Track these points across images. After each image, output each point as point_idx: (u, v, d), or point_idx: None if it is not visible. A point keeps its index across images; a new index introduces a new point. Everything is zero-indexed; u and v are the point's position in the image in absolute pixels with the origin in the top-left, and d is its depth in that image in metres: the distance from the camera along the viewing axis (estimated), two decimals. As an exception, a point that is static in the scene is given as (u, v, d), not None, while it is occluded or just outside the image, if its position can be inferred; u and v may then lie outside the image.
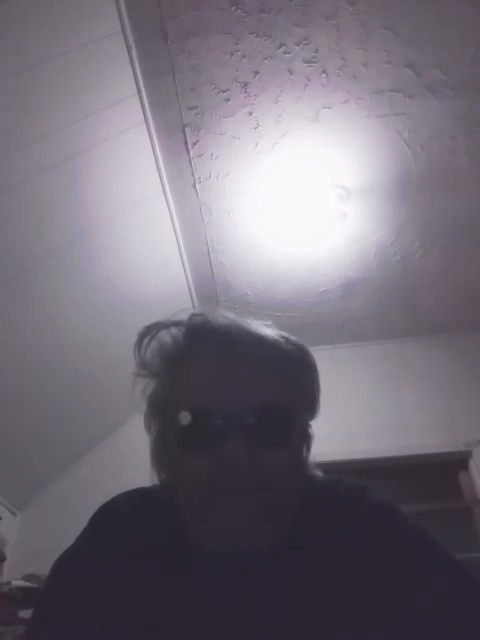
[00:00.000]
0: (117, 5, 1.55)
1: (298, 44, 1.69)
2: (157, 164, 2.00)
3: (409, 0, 1.59)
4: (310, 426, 0.65)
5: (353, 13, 1.62)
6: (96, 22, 1.55)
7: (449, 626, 0.50)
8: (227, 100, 1.83)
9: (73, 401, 2.38)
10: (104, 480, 2.25)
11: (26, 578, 1.94)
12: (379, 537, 0.58)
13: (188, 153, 1.98)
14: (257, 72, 1.75)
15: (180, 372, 0.60)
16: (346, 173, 2.08)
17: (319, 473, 0.68)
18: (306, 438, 0.64)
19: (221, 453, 0.53)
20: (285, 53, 1.71)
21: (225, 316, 0.61)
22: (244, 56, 1.71)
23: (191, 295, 2.59)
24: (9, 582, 1.96)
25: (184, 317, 0.62)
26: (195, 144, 1.96)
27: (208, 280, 2.53)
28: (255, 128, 1.91)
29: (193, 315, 0.62)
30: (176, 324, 0.62)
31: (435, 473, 2.51)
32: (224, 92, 1.80)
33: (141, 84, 1.75)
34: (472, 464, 2.47)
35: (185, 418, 0.56)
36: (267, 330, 0.61)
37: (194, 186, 2.10)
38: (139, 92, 1.77)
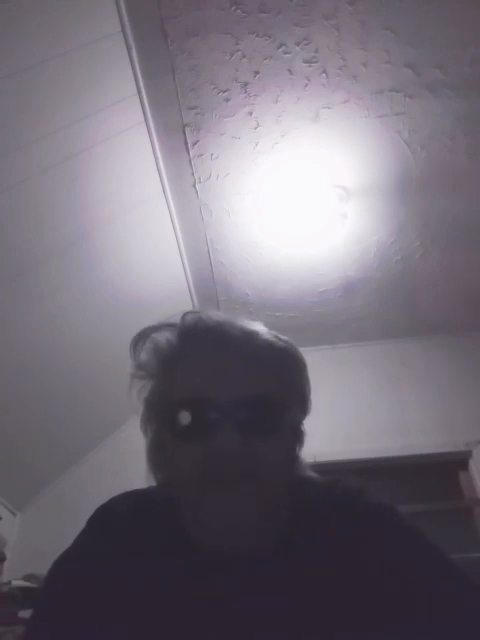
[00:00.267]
0: (117, 5, 1.55)
1: (298, 44, 1.69)
2: (157, 164, 2.00)
3: (409, 0, 1.59)
4: (302, 424, 0.66)
5: (353, 13, 1.62)
6: (96, 22, 1.55)
7: (446, 626, 0.51)
8: (227, 100, 1.83)
9: (73, 401, 2.38)
10: (104, 480, 2.25)
11: (26, 578, 1.94)
12: (377, 538, 0.58)
13: (188, 153, 1.98)
14: (257, 72, 1.75)
15: (175, 370, 0.61)
16: (346, 173, 2.08)
17: (314, 474, 0.68)
18: (298, 435, 0.65)
19: (214, 443, 0.54)
20: (285, 53, 1.71)
21: (217, 315, 0.63)
22: (244, 56, 1.71)
23: (191, 295, 2.59)
24: (9, 582, 1.96)
25: (177, 320, 0.64)
26: (195, 144, 1.96)
27: (208, 280, 2.53)
28: (255, 128, 1.91)
29: (186, 314, 0.64)
30: (169, 326, 0.64)
31: (435, 473, 2.51)
32: (224, 92, 1.80)
33: (141, 84, 1.75)
34: (472, 464, 2.47)
35: (180, 411, 0.57)
36: (258, 328, 0.63)
37: (194, 186, 2.10)
38: (139, 92, 1.77)
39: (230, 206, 2.19)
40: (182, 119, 1.88)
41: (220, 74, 1.76)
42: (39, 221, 1.83)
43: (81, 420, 2.48)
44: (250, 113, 1.87)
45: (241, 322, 0.62)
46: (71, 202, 1.87)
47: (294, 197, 2.16)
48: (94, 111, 1.71)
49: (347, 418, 2.62)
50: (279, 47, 1.69)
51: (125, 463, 2.30)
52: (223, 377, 0.58)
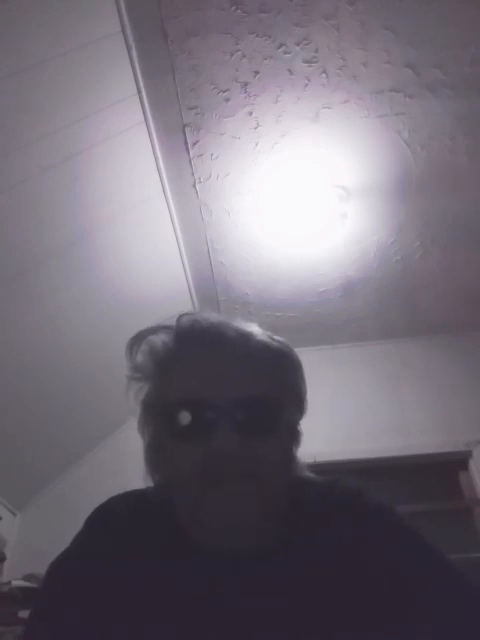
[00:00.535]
0: (117, 5, 1.55)
1: (298, 44, 1.69)
2: (157, 164, 2.00)
3: (409, 0, 1.59)
4: (299, 424, 0.66)
5: (353, 13, 1.62)
6: (96, 22, 1.55)
7: (446, 626, 0.51)
8: (227, 100, 1.83)
9: (73, 401, 2.38)
10: (104, 480, 2.25)
11: (26, 578, 1.94)
12: (376, 538, 0.58)
13: (188, 153, 1.98)
14: (257, 72, 1.75)
15: (171, 372, 0.62)
16: (346, 173, 2.08)
17: (312, 474, 0.68)
18: (295, 435, 0.66)
19: (214, 444, 0.55)
20: (285, 53, 1.71)
21: (213, 316, 0.63)
22: (244, 56, 1.71)
23: (191, 295, 2.59)
24: (9, 582, 1.96)
25: (173, 322, 0.64)
26: (195, 144, 1.96)
27: (208, 280, 2.53)
28: (255, 128, 1.91)
29: (181, 316, 0.64)
30: (165, 328, 0.64)
31: (435, 473, 2.51)
32: (224, 92, 1.80)
33: (141, 84, 1.75)
34: (472, 464, 2.47)
35: (177, 412, 0.57)
36: (253, 329, 0.63)
37: (194, 186, 2.10)
38: (139, 92, 1.77)
39: (230, 206, 2.19)
40: (182, 119, 1.88)
41: (220, 74, 1.76)
42: (39, 221, 1.83)
43: (81, 420, 2.48)
44: (250, 113, 1.87)
45: (236, 323, 0.63)
46: (71, 202, 1.87)
47: (294, 197, 2.16)
48: (94, 111, 1.71)
49: (347, 418, 2.62)
50: (279, 47, 1.69)
51: (125, 463, 2.31)
52: (219, 378, 0.58)
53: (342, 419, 2.61)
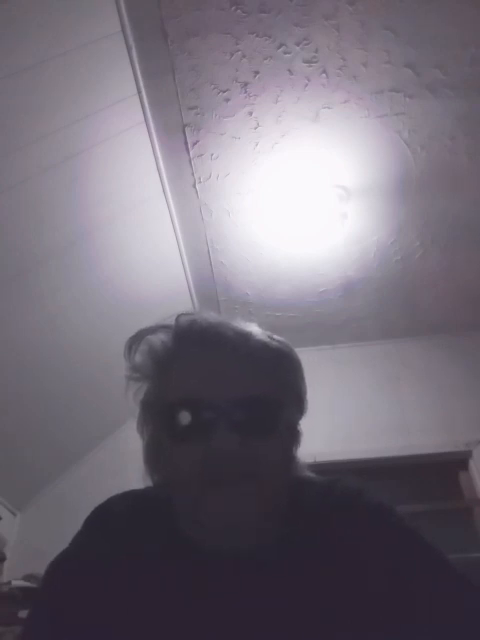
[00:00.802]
0: (117, 5, 1.55)
1: (298, 44, 1.69)
2: (157, 164, 2.00)
3: (409, 0, 1.59)
4: (299, 424, 0.66)
5: (353, 13, 1.62)
6: (96, 22, 1.55)
7: (445, 626, 0.51)
8: (227, 100, 1.83)
9: (73, 401, 2.38)
10: (104, 480, 2.25)
11: (26, 578, 1.94)
12: (376, 538, 0.58)
13: (188, 153, 1.98)
14: (257, 72, 1.75)
15: (170, 372, 0.62)
16: (346, 173, 2.08)
17: (312, 474, 0.68)
18: (295, 435, 0.65)
19: (213, 443, 0.54)
20: (285, 53, 1.71)
21: (211, 316, 0.63)
22: (244, 56, 1.71)
23: (191, 295, 2.59)
24: (9, 582, 1.96)
25: (171, 322, 0.64)
26: (195, 144, 1.96)
27: (208, 280, 2.53)
28: (255, 128, 1.91)
29: (180, 315, 0.64)
30: (164, 327, 0.64)
31: (435, 473, 2.51)
32: (224, 92, 1.80)
33: (141, 84, 1.75)
34: (472, 464, 2.47)
35: (176, 412, 0.57)
36: (252, 329, 0.63)
37: (194, 186, 2.10)
38: (139, 92, 1.77)
39: (230, 206, 2.19)
40: (182, 119, 1.88)
41: (220, 74, 1.76)
42: (39, 221, 1.83)
43: (81, 420, 2.48)
44: (250, 113, 1.87)
45: (235, 323, 0.63)
46: (71, 202, 1.87)
47: (294, 197, 2.16)
48: (94, 111, 1.71)
49: (347, 418, 2.62)
50: (279, 47, 1.69)
51: (125, 463, 2.31)
52: (218, 378, 0.58)
53: (342, 419, 2.61)
